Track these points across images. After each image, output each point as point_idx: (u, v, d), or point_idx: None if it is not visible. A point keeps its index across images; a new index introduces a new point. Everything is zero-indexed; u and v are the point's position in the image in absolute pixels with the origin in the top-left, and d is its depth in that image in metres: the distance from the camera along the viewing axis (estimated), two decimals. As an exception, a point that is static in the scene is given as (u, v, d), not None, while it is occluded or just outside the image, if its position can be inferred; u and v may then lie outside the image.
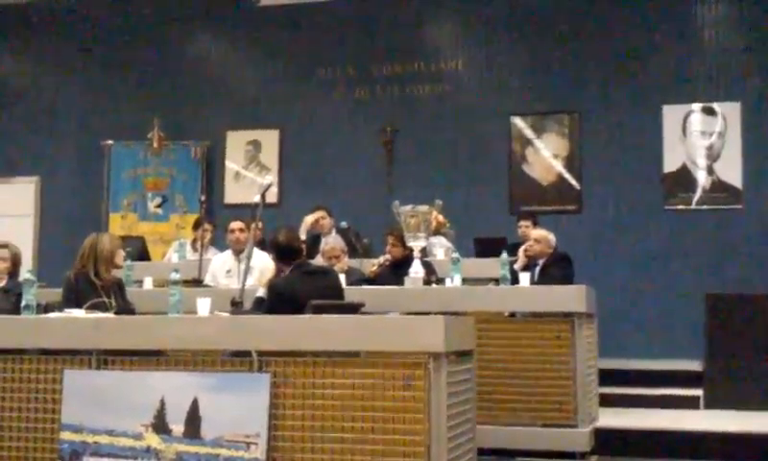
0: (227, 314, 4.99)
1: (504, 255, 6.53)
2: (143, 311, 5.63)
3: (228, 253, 7.51)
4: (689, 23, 10.26)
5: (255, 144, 11.52)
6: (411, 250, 6.62)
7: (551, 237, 7.16)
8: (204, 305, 4.89)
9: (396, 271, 6.95)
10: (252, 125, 11.51)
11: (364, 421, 4.26)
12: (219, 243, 8.76)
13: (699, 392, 7.52)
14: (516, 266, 7.02)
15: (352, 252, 7.81)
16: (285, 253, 5.43)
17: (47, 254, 11.51)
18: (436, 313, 4.76)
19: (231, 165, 11.55)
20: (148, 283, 7.26)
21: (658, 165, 10.08)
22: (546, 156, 10.54)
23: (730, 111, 9.96)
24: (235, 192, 11.40)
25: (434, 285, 6.61)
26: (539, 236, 7.16)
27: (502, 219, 10.03)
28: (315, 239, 8.19)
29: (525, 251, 7.20)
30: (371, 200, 10.37)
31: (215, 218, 9.89)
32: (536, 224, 8.30)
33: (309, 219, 8.42)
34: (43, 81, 12.31)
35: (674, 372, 8.20)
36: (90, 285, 5.41)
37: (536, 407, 6.03)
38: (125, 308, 5.48)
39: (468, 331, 4.84)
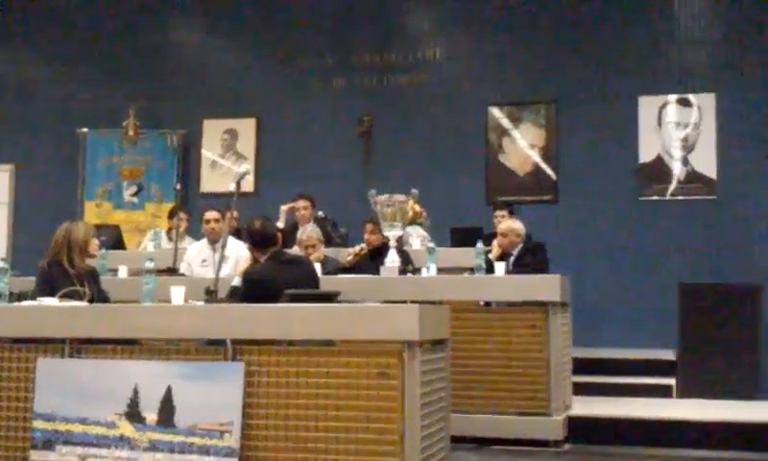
0: (201, 303, 4.97)
1: (479, 245, 6.55)
2: (117, 300, 5.61)
3: (204, 242, 7.49)
4: (665, 14, 10.30)
5: (232, 133, 11.48)
6: (387, 239, 6.63)
7: (517, 226, 7.15)
8: (178, 294, 4.88)
9: (372, 260, 6.96)
10: (229, 113, 11.46)
11: (338, 409, 4.27)
12: (194, 232, 8.73)
13: (672, 381, 7.60)
14: (492, 256, 7.04)
15: (329, 241, 7.82)
16: (260, 240, 5.42)
17: (21, 243, 11.43)
18: (412, 302, 4.77)
19: (208, 154, 11.51)
20: (122, 272, 7.24)
21: (633, 156, 10.13)
22: (523, 146, 10.58)
23: (705, 103, 10.02)
24: (211, 181, 11.36)
25: (410, 274, 6.62)
26: (504, 230, 7.15)
27: (479, 209, 10.05)
28: (294, 227, 8.18)
29: (498, 243, 7.23)
30: (348, 189, 10.35)
31: (191, 207, 9.86)
32: (512, 214, 8.33)
33: (284, 207, 8.43)
34: (19, 69, 12.19)
35: (647, 361, 8.28)
36: (64, 274, 5.36)
37: (510, 396, 6.09)
38: (99, 297, 5.45)
39: (443, 320, 4.87)
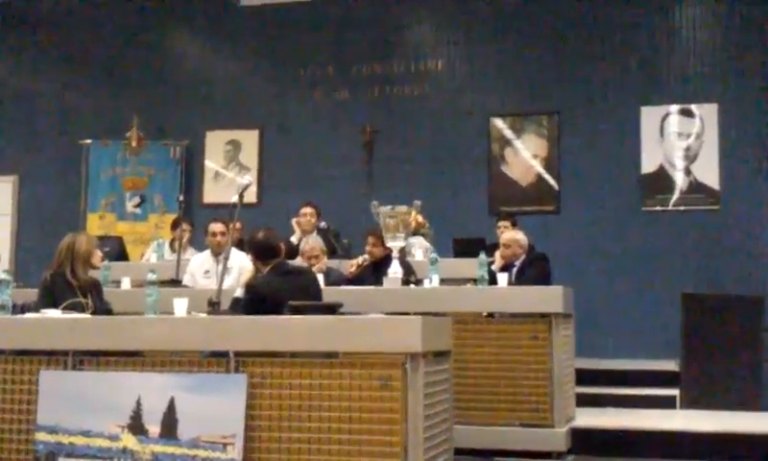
0: (204, 315, 4.97)
1: (482, 256, 6.54)
2: (120, 312, 5.60)
3: (207, 253, 7.48)
4: (668, 25, 10.32)
5: (235, 144, 11.49)
6: (390, 250, 6.62)
7: (520, 237, 7.16)
8: (180, 306, 4.87)
9: (375, 271, 6.96)
10: (232, 125, 11.48)
11: (341, 421, 4.26)
12: (197, 243, 8.73)
13: (675, 392, 7.58)
14: (494, 267, 7.04)
15: (332, 252, 7.81)
16: (263, 252, 5.42)
17: (24, 254, 11.44)
18: (414, 313, 4.76)
19: (211, 165, 11.52)
20: (125, 284, 7.23)
21: (636, 166, 10.14)
22: (525, 156, 10.58)
23: (707, 113, 10.03)
24: (214, 192, 11.37)
25: (412, 286, 6.62)
26: (507, 241, 7.15)
27: (481, 219, 10.06)
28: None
29: (501, 254, 7.22)
30: (350, 200, 10.36)
31: (194, 218, 9.87)
32: (514, 224, 8.32)
33: (295, 220, 8.43)
34: (21, 80, 12.23)
35: (650, 372, 8.26)
36: (67, 286, 5.38)
37: (513, 407, 6.07)
38: (102, 309, 5.45)
39: (446, 332, 4.86)
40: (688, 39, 10.24)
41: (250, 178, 6.18)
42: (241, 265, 6.73)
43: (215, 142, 11.54)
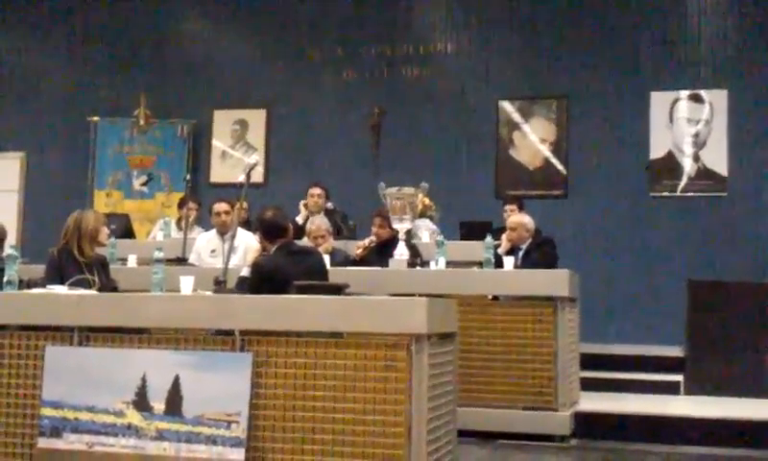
0: (210, 293, 4.98)
1: (488, 239, 6.54)
2: (126, 289, 5.61)
3: (213, 232, 7.50)
4: (678, 10, 10.27)
5: (242, 123, 11.49)
6: (396, 232, 6.62)
7: (526, 221, 7.14)
8: (186, 284, 4.88)
9: (381, 253, 6.96)
10: (240, 104, 11.48)
11: (345, 401, 4.27)
12: (204, 222, 8.75)
13: (679, 377, 7.58)
14: (500, 250, 7.03)
15: (338, 233, 7.81)
16: (270, 231, 5.40)
17: (31, 230, 11.47)
18: (420, 295, 4.76)
19: (218, 144, 11.52)
20: (132, 261, 7.25)
21: (644, 152, 10.11)
22: (533, 140, 10.56)
23: (717, 99, 9.99)
24: (221, 171, 11.38)
25: (418, 268, 6.62)
26: (513, 224, 7.14)
27: (488, 203, 10.05)
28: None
29: (507, 237, 7.21)
30: (357, 182, 10.35)
31: (200, 197, 9.87)
32: (521, 208, 8.32)
33: (303, 203, 8.43)
34: (29, 56, 12.22)
35: (655, 357, 8.26)
36: (73, 262, 5.39)
37: (517, 390, 6.08)
38: (108, 285, 5.46)
39: (451, 314, 4.85)
40: (699, 25, 10.19)
41: (257, 157, 6.15)
42: (247, 244, 6.74)
43: (222, 121, 11.54)
